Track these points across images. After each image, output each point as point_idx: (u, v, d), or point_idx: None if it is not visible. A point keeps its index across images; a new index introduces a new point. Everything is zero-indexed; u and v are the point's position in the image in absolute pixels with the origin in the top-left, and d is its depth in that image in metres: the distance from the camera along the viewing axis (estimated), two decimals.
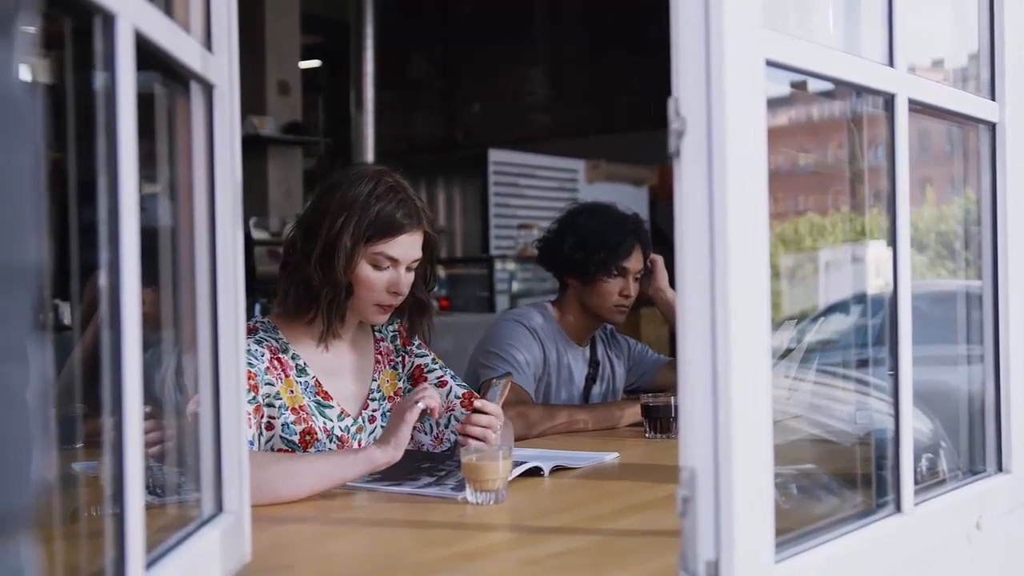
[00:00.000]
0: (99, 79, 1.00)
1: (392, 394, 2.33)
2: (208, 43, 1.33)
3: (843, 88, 1.57)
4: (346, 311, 2.20)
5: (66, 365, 1.99)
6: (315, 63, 10.28)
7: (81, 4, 0.93)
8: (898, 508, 1.48)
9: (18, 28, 0.59)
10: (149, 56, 1.09)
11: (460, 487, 1.89)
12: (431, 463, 2.10)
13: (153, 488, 1.35)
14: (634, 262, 2.96)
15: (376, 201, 2.13)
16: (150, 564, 1.07)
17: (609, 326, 3.14)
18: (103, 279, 0.98)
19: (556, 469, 2.14)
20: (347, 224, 2.11)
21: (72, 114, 1.04)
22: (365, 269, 2.15)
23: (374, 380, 2.31)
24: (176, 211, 1.35)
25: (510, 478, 1.91)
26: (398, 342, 2.37)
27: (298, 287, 2.16)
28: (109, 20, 0.97)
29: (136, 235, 1.00)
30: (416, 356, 2.37)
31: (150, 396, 1.07)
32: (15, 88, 0.59)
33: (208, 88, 1.32)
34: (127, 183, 0.99)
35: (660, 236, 5.97)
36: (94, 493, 1.41)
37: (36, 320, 0.60)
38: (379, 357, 2.34)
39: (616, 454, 2.33)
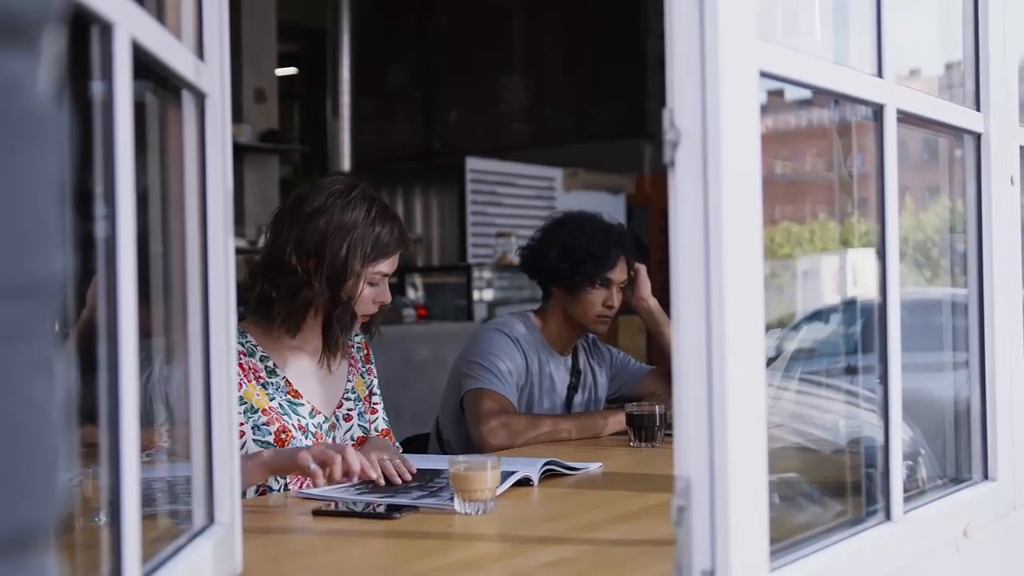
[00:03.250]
0: (95, 88, 0.99)
1: (363, 397, 2.42)
2: (200, 52, 1.32)
3: (826, 97, 1.58)
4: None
5: None
6: (291, 70, 10.26)
7: (79, 13, 0.93)
8: (888, 516, 1.49)
9: (44, 42, 0.59)
10: (143, 65, 1.09)
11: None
12: (419, 480, 2.10)
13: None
14: (618, 273, 2.96)
15: (375, 224, 2.23)
16: None
17: (591, 335, 3.14)
18: (101, 289, 0.98)
19: (547, 473, 2.14)
20: (354, 249, 2.20)
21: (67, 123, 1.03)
22: (364, 288, 2.25)
23: (349, 381, 2.39)
24: (166, 220, 1.34)
25: (501, 490, 1.90)
26: (362, 354, 2.47)
27: (300, 307, 2.22)
28: (107, 29, 0.97)
29: (133, 243, 1.00)
30: (373, 376, 2.48)
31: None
32: (42, 101, 0.58)
33: (200, 97, 1.31)
34: (124, 193, 0.98)
35: (637, 244, 5.97)
36: (81, 504, 1.39)
37: (58, 334, 0.60)
38: (352, 360, 2.42)
39: (600, 464, 2.33)
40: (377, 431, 2.38)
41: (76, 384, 1.06)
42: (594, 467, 2.31)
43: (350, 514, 1.84)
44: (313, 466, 1.91)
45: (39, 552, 0.57)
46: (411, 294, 7.44)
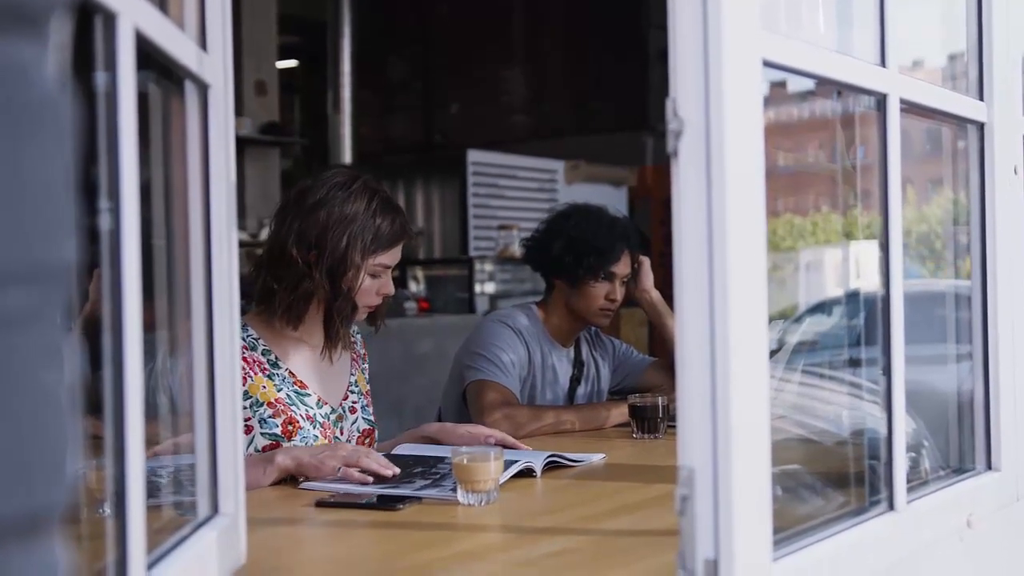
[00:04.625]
0: (99, 78, 0.99)
1: (364, 392, 2.44)
2: (203, 42, 1.32)
3: (831, 87, 1.58)
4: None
5: None
6: (292, 63, 10.25)
7: (83, 2, 0.93)
8: (891, 506, 1.49)
9: (51, 29, 0.59)
10: (146, 55, 1.09)
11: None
12: (423, 467, 2.10)
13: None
14: (622, 267, 2.96)
15: (375, 216, 2.23)
16: (150, 566, 1.06)
17: (594, 327, 3.14)
18: (105, 281, 0.98)
19: (549, 465, 2.15)
20: (354, 241, 2.20)
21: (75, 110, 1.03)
22: (365, 280, 2.25)
23: (352, 375, 2.41)
24: (169, 212, 1.34)
25: (504, 479, 1.90)
26: (362, 352, 2.49)
27: (301, 299, 2.23)
28: (110, 19, 0.96)
29: (137, 235, 1.00)
30: (368, 374, 2.50)
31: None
32: (50, 89, 0.59)
33: (203, 88, 1.31)
34: (128, 184, 0.98)
35: (641, 237, 5.98)
36: (86, 496, 1.39)
37: (68, 319, 0.60)
38: (354, 355, 2.44)
39: (603, 455, 2.33)
40: (358, 432, 2.39)
41: (79, 376, 1.07)
42: (597, 458, 2.31)
43: (353, 505, 1.84)
44: (343, 469, 1.99)
45: (47, 537, 0.58)
46: (412, 287, 7.44)
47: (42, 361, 0.57)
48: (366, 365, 2.49)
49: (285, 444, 2.17)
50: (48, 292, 0.58)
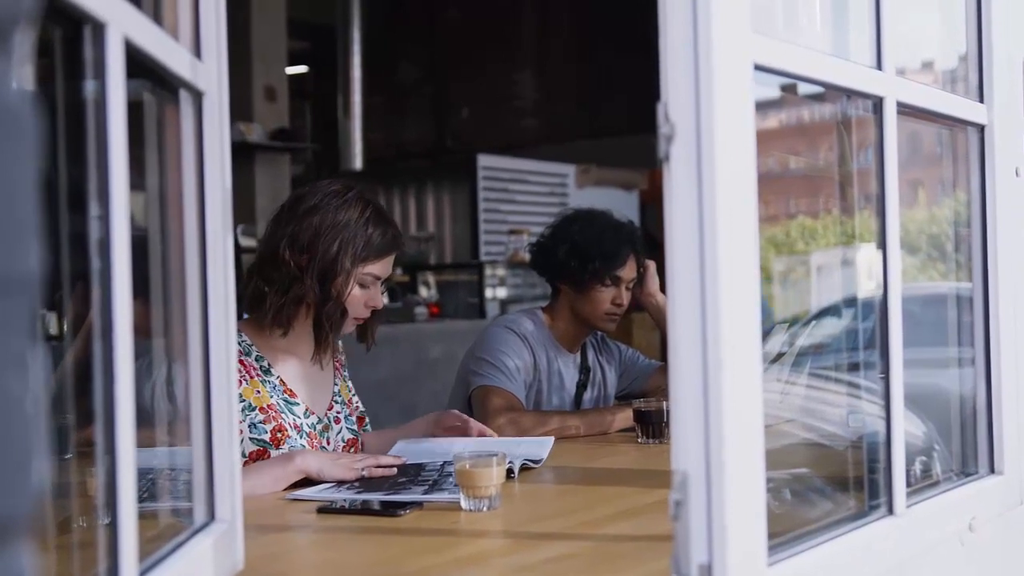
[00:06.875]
0: (89, 87, 0.99)
1: (347, 401, 2.45)
2: (197, 50, 1.32)
3: (832, 92, 1.58)
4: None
5: (55, 375, 1.99)
6: (302, 68, 10.27)
7: (71, 13, 0.93)
8: (890, 510, 1.48)
9: (17, 38, 0.60)
10: (138, 64, 1.09)
11: (457, 491, 1.88)
12: (406, 477, 2.10)
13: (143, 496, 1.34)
14: (628, 271, 2.96)
15: (367, 225, 2.26)
16: (143, 573, 1.06)
17: (600, 332, 3.14)
18: (95, 289, 0.98)
19: (523, 468, 2.19)
20: (344, 247, 2.23)
21: (60, 122, 1.04)
22: (355, 288, 2.27)
23: (335, 385, 2.43)
24: (165, 220, 1.35)
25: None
26: (342, 359, 2.51)
27: (291, 302, 2.24)
28: (99, 29, 0.97)
29: (127, 244, 1.00)
30: (350, 383, 2.52)
31: (140, 406, 1.07)
32: (15, 99, 0.59)
33: (198, 96, 1.32)
34: (118, 192, 0.99)
35: (650, 241, 5.98)
36: (84, 503, 1.40)
37: (35, 328, 0.61)
38: (337, 365, 2.46)
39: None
40: (343, 441, 2.41)
41: (80, 384, 1.07)
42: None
43: (354, 511, 1.85)
44: (368, 470, 2.11)
45: (14, 544, 0.58)
46: (423, 292, 7.44)
47: (8, 369, 0.57)
48: (347, 372, 2.51)
49: (273, 452, 2.19)
50: (14, 300, 0.58)
